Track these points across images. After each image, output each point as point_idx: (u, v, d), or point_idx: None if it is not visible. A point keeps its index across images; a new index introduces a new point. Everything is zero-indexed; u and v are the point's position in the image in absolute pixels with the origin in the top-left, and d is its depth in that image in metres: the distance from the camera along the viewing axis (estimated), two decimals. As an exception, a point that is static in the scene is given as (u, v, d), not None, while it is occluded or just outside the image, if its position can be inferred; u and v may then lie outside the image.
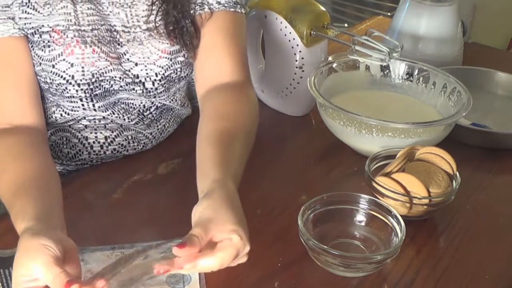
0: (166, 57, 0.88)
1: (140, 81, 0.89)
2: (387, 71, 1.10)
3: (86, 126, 0.93)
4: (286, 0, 1.06)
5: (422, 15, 1.23)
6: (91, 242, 0.77)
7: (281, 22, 1.04)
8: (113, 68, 0.86)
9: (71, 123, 0.92)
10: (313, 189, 0.89)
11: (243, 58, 0.91)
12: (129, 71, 0.88)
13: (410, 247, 0.79)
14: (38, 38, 0.83)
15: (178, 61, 0.89)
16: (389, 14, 1.79)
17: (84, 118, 0.92)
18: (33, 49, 0.84)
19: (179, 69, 0.90)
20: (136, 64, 0.88)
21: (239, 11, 0.91)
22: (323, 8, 1.08)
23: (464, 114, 0.94)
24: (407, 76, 1.09)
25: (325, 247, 0.71)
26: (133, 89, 0.89)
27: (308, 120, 1.10)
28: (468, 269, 0.77)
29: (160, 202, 0.87)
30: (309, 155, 1.02)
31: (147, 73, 0.88)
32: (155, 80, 0.89)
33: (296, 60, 1.05)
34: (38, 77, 0.86)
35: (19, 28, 0.82)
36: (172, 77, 0.90)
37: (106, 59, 0.86)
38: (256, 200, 0.87)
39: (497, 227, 0.85)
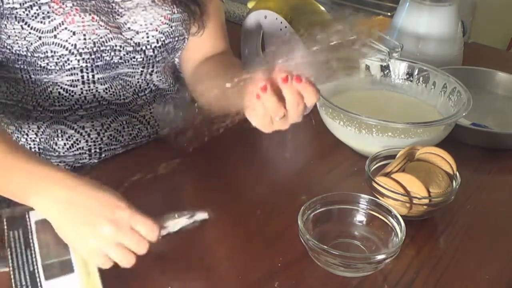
0: (167, 24, 0.93)
1: (141, 49, 0.93)
2: (387, 71, 1.10)
3: (82, 116, 0.94)
4: (286, 0, 1.06)
5: (422, 15, 1.23)
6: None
7: (281, 22, 1.04)
8: (113, 37, 0.89)
9: (67, 114, 0.93)
10: (313, 189, 0.89)
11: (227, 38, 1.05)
12: (131, 39, 0.91)
13: (410, 247, 0.79)
14: (37, 10, 0.84)
15: (177, 30, 0.95)
16: (389, 14, 1.79)
17: (81, 107, 0.93)
18: (29, 25, 0.84)
19: (176, 39, 0.96)
20: (137, 32, 0.91)
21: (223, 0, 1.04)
22: (323, 8, 1.08)
23: (464, 114, 0.94)
24: (407, 76, 1.09)
25: (325, 247, 0.71)
26: (134, 57, 0.93)
27: (308, 120, 1.10)
28: (468, 269, 0.77)
29: (160, 202, 0.87)
30: (309, 155, 1.02)
31: (148, 40, 0.93)
32: (155, 47, 0.94)
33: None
34: (36, 55, 0.86)
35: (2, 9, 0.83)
36: (169, 47, 0.96)
37: (106, 28, 0.88)
38: (256, 200, 0.87)
39: (497, 227, 0.85)
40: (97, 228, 0.63)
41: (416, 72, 1.08)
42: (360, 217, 0.80)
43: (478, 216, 0.87)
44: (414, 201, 0.80)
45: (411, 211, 0.81)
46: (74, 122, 0.94)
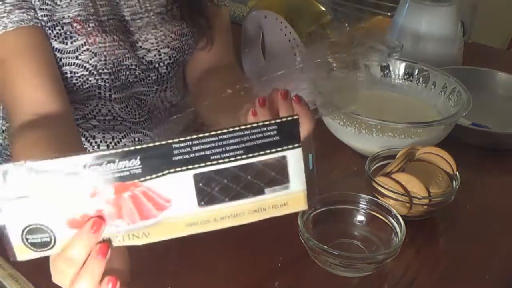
0: (178, 39, 0.93)
1: (154, 66, 0.92)
2: (387, 71, 1.10)
3: (94, 126, 0.93)
4: (286, 0, 1.06)
5: (422, 15, 1.23)
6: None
7: (281, 22, 1.04)
8: (130, 56, 0.89)
9: (80, 121, 0.93)
10: (313, 189, 0.89)
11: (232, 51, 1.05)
12: (143, 58, 0.91)
13: (410, 247, 0.79)
14: (60, 30, 0.83)
15: (188, 44, 0.95)
16: (389, 14, 1.79)
17: (94, 117, 0.92)
18: (51, 45, 0.83)
19: (186, 52, 0.96)
20: (149, 51, 0.91)
21: (227, 5, 1.02)
22: (323, 8, 1.08)
23: (464, 114, 0.94)
24: (407, 76, 1.09)
25: (325, 247, 0.71)
26: (149, 75, 0.92)
27: (308, 120, 1.10)
28: (468, 269, 0.77)
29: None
30: (309, 155, 1.02)
31: (160, 58, 0.92)
32: (168, 63, 0.93)
33: (296, 60, 1.05)
34: None
35: (39, 19, 0.82)
36: (180, 61, 0.96)
37: (124, 47, 0.88)
38: (256, 200, 0.87)
39: (497, 227, 0.85)
40: None
41: (416, 72, 1.08)
42: (360, 217, 0.80)
43: (478, 216, 0.87)
44: (414, 201, 0.80)
45: (411, 211, 0.81)
46: (86, 130, 0.94)
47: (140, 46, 0.90)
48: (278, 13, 1.04)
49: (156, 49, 0.91)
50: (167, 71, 0.94)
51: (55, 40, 0.83)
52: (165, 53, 0.92)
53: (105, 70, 0.86)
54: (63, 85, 0.84)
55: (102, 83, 0.88)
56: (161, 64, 0.93)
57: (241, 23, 1.16)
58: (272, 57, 1.09)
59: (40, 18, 0.82)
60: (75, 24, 0.83)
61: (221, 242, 0.78)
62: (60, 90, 0.83)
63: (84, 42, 0.84)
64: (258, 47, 1.15)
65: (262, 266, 0.74)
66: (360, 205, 0.80)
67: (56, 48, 0.84)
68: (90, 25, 0.84)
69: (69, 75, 0.85)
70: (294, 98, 0.67)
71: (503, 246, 0.82)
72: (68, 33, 0.83)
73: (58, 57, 0.84)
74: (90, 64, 0.85)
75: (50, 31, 0.83)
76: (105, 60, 0.85)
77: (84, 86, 0.87)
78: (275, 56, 1.08)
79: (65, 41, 0.83)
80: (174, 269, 0.73)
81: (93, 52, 0.84)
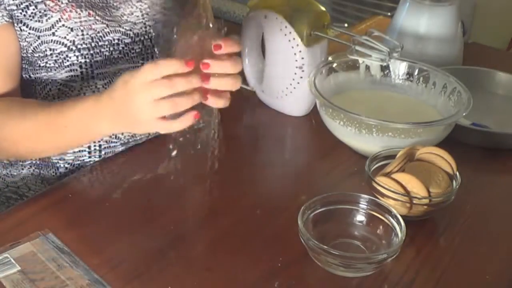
0: (163, 13, 0.96)
1: (140, 39, 0.94)
2: (387, 71, 1.10)
3: None
4: (286, 0, 1.06)
5: (422, 15, 1.22)
6: (90, 243, 0.77)
7: (281, 22, 1.04)
8: (111, 31, 0.90)
9: None
10: (313, 189, 0.89)
11: None
12: (130, 30, 0.93)
13: (410, 247, 0.79)
14: (34, 9, 0.85)
15: (171, 20, 0.96)
16: (389, 14, 1.79)
17: None
18: (28, 25, 0.85)
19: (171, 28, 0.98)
20: (135, 24, 0.93)
21: None
22: (323, 8, 1.08)
23: (464, 114, 0.94)
24: (407, 76, 1.09)
25: (325, 247, 0.71)
26: (133, 48, 0.94)
27: (308, 120, 1.10)
28: (468, 269, 0.77)
29: (160, 202, 0.87)
30: (309, 155, 1.02)
31: (146, 31, 0.94)
32: (152, 36, 0.95)
33: (296, 60, 1.05)
34: (36, 55, 0.87)
35: (8, 9, 0.84)
36: (166, 37, 0.96)
37: (103, 22, 0.89)
38: (256, 200, 0.87)
39: (497, 227, 0.85)
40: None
41: (416, 72, 1.08)
42: (360, 217, 0.80)
43: (478, 216, 0.87)
44: (414, 201, 0.80)
45: (411, 211, 0.81)
46: None
47: (126, 20, 0.92)
48: (278, 13, 1.04)
49: (142, 21, 0.94)
50: (151, 44, 0.96)
51: (31, 19, 0.85)
52: (150, 26, 0.95)
53: (84, 46, 0.88)
54: (16, 84, 0.90)
55: (83, 60, 0.89)
56: (146, 37, 0.95)
57: (241, 23, 1.16)
58: (272, 57, 1.09)
59: (11, 3, 0.83)
60: (48, 2, 0.85)
61: (221, 242, 0.79)
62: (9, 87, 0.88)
63: (59, 19, 0.86)
64: (258, 47, 1.15)
65: (262, 266, 0.74)
66: (360, 205, 0.80)
67: (33, 27, 0.86)
68: (64, 1, 0.86)
69: (48, 53, 0.87)
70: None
71: (503, 246, 0.82)
72: (42, 11, 0.85)
73: (36, 35, 0.86)
74: (67, 40, 0.87)
75: (24, 13, 0.85)
76: (83, 35, 0.87)
77: (65, 64, 0.89)
78: (275, 56, 1.08)
79: (41, 19, 0.85)
80: (174, 269, 0.73)
81: (69, 28, 0.86)
